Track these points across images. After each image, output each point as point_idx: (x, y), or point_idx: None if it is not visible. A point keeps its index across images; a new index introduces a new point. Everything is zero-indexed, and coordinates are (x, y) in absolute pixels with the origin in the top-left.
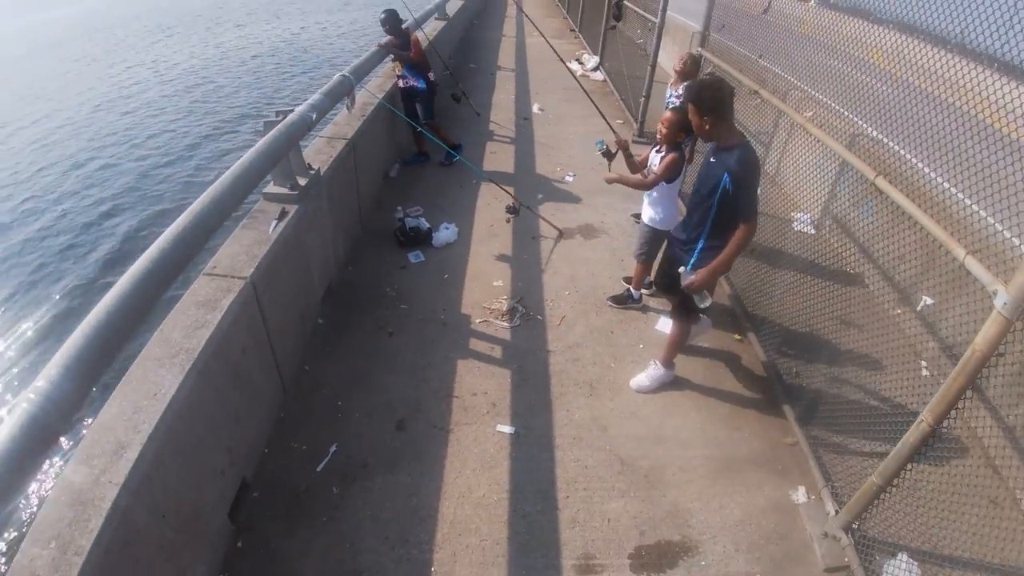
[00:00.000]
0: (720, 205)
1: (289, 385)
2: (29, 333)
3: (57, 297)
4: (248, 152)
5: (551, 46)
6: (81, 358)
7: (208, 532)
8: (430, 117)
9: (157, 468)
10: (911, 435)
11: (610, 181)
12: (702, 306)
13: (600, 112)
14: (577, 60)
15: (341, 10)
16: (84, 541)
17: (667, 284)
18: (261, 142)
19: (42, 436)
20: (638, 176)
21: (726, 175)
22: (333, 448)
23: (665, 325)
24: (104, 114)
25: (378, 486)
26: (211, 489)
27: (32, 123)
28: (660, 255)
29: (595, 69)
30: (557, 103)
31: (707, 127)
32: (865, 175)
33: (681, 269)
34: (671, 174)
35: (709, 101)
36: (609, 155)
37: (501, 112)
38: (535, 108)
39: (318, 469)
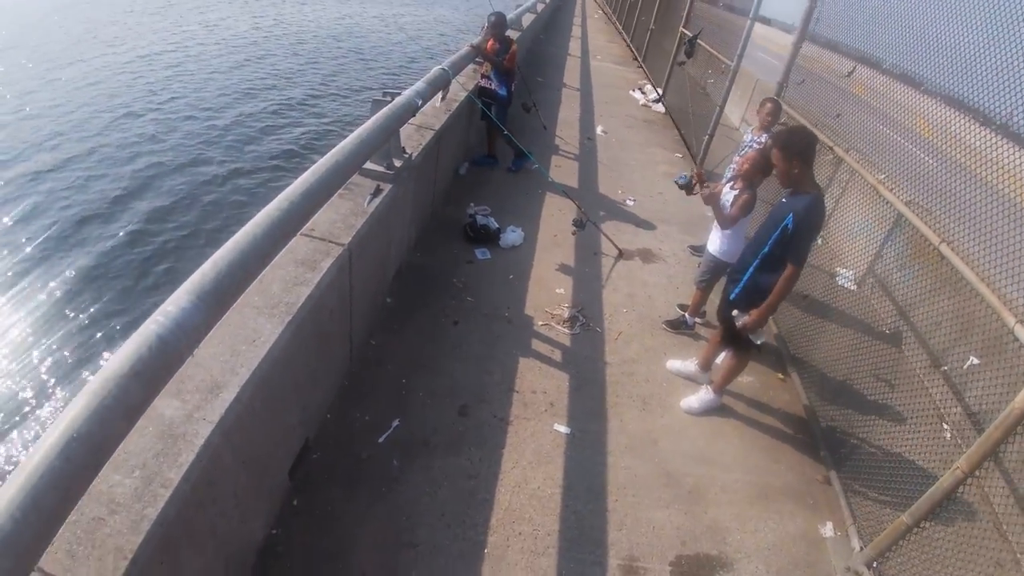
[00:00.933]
0: (775, 243)
1: (356, 355)
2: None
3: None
4: (364, 125)
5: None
6: (213, 290)
7: (270, 485)
8: (503, 123)
9: (248, 413)
10: (945, 480)
11: (708, 202)
12: (757, 343)
13: (685, 146)
14: (640, 90)
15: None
16: (172, 474)
17: (725, 316)
18: (375, 117)
19: (168, 358)
20: (724, 211)
21: (791, 215)
22: (396, 423)
23: (674, 366)
24: (223, 74)
25: (438, 465)
26: (282, 444)
27: (151, 82)
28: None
29: (656, 101)
30: (619, 128)
31: (793, 171)
32: (930, 240)
33: (735, 312)
34: (744, 212)
35: (798, 146)
36: (689, 187)
37: (566, 129)
38: (599, 129)
39: (380, 440)
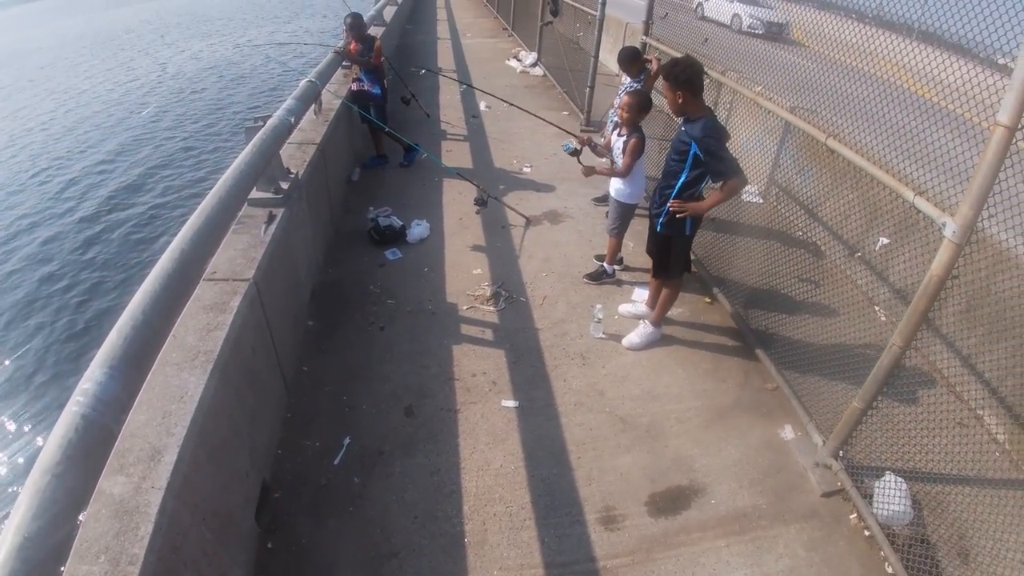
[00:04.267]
0: (689, 170)
1: (292, 386)
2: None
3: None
4: (241, 154)
5: None
6: (124, 357)
7: (240, 535)
8: (383, 122)
9: (194, 470)
10: (884, 358)
11: (588, 174)
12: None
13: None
14: (515, 58)
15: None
16: (136, 549)
17: (655, 250)
18: (251, 144)
19: (100, 436)
20: (610, 166)
21: (694, 144)
22: (347, 441)
23: (626, 309)
24: (67, 134)
25: (398, 470)
26: (239, 491)
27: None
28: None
29: (533, 65)
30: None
31: (680, 101)
32: (816, 137)
33: (672, 202)
34: (636, 156)
35: (682, 76)
36: (576, 153)
37: (450, 112)
38: (482, 106)
39: (335, 463)
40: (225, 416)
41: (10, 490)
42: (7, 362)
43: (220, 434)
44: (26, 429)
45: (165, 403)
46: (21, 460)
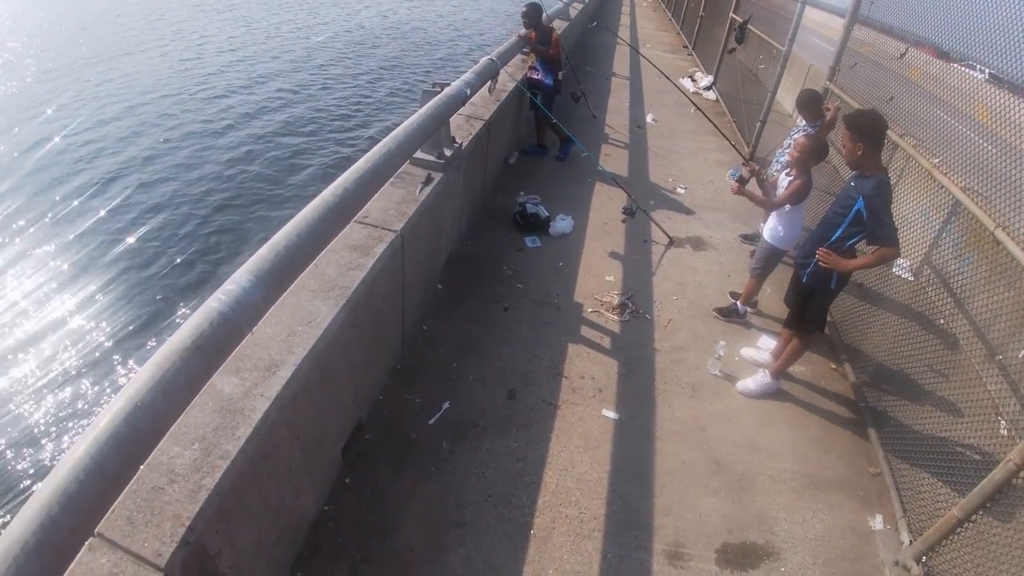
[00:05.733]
0: (849, 225)
1: (408, 340)
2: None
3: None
4: (414, 115)
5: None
6: (271, 270)
7: (324, 463)
8: (549, 113)
9: (304, 390)
10: (997, 473)
11: (738, 193)
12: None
13: (724, 135)
14: (690, 77)
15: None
16: (230, 447)
17: (794, 300)
18: (425, 107)
19: (228, 334)
20: (764, 197)
21: (861, 199)
22: (446, 405)
23: (749, 353)
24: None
25: (486, 447)
26: (335, 422)
27: (198, 80)
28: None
29: (708, 88)
30: (670, 116)
31: (859, 153)
32: (985, 224)
33: (821, 249)
34: (798, 198)
35: (867, 128)
36: (743, 182)
37: (616, 117)
38: (649, 118)
39: (430, 422)
40: (343, 349)
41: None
42: (165, 263)
43: (335, 365)
44: (164, 324)
45: (293, 324)
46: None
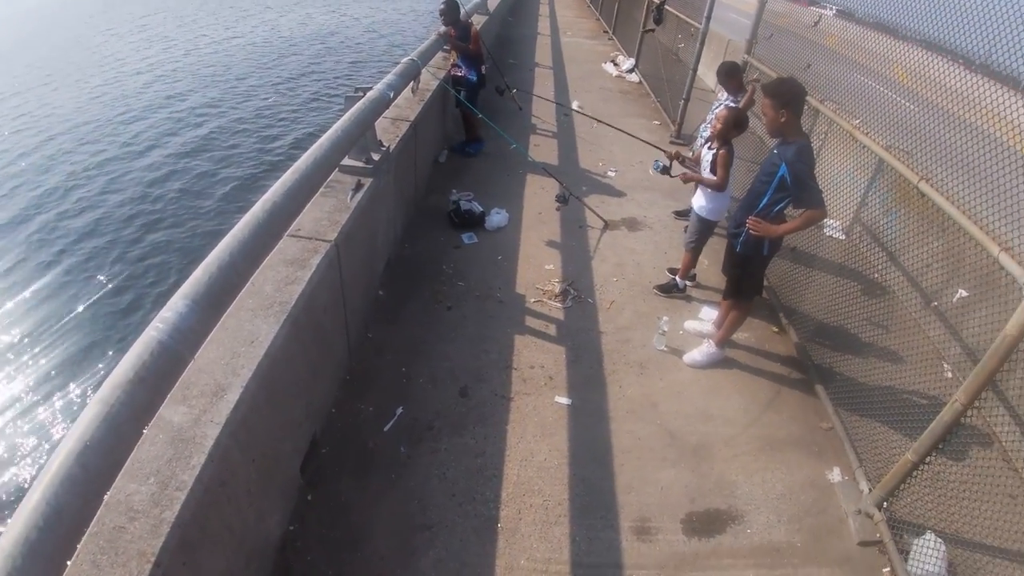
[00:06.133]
0: (774, 192)
1: (355, 349)
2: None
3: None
4: (339, 121)
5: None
6: (206, 293)
7: (283, 483)
8: (472, 109)
9: (253, 412)
10: (945, 414)
11: (686, 180)
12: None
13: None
14: (612, 62)
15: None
16: (186, 477)
17: (730, 269)
18: (349, 113)
19: (170, 362)
20: (712, 176)
21: (784, 165)
22: (399, 410)
23: (692, 326)
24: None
25: (444, 447)
26: (290, 440)
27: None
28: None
29: (630, 71)
30: (595, 101)
31: (782, 120)
32: (909, 179)
33: (751, 218)
34: (728, 166)
35: (788, 95)
36: (667, 170)
37: (542, 107)
38: (575, 105)
39: (385, 429)
40: (289, 366)
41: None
42: (99, 293)
43: (282, 382)
44: (104, 354)
45: (235, 345)
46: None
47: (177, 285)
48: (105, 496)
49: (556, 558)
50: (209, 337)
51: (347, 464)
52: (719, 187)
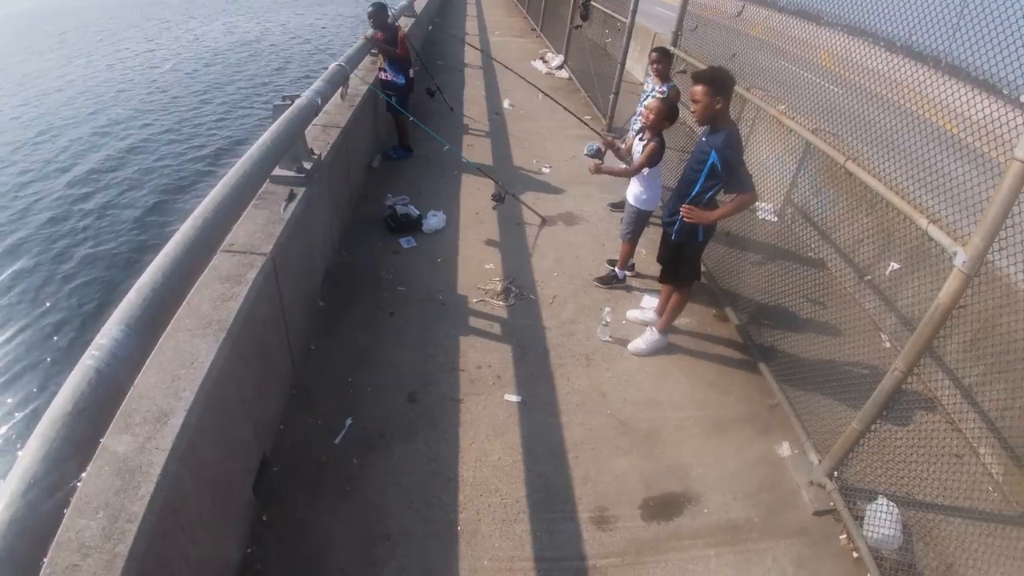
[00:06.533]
0: (706, 179)
1: (299, 363)
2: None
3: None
4: (268, 131)
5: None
6: (141, 317)
7: (237, 505)
8: (405, 111)
9: (198, 435)
10: (886, 382)
11: (596, 170)
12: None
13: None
14: (541, 59)
15: (320, 5)
16: (136, 508)
17: (666, 257)
18: (277, 122)
19: (111, 391)
20: (622, 166)
21: (714, 153)
22: (348, 421)
23: (634, 315)
24: (105, 103)
25: (397, 455)
26: (240, 461)
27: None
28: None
29: (560, 68)
30: (525, 99)
31: (718, 107)
32: (836, 160)
33: (684, 206)
34: (653, 160)
35: (724, 83)
36: (600, 154)
37: (473, 107)
38: (506, 104)
39: (336, 442)
40: (233, 386)
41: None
42: (26, 317)
43: (226, 403)
44: (40, 382)
45: (175, 367)
46: (32, 411)
47: (106, 304)
48: (56, 535)
49: (519, 555)
50: (148, 361)
51: (300, 480)
52: (632, 173)
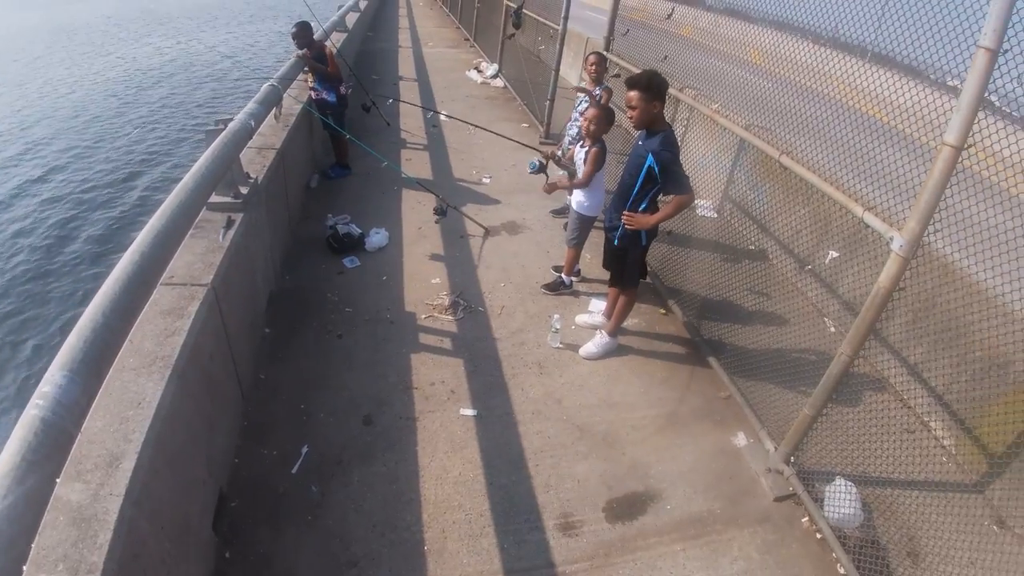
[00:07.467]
0: (643, 184)
1: (249, 394)
2: None
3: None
4: (201, 158)
5: None
6: (84, 360)
7: (198, 544)
8: (342, 129)
9: (152, 477)
10: (834, 367)
11: (550, 190)
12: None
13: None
14: (476, 69)
15: (249, 23)
16: (95, 558)
17: (611, 262)
18: (211, 148)
19: (58, 439)
20: (573, 179)
21: (650, 156)
22: (304, 449)
23: (583, 319)
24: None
25: (356, 479)
26: (196, 499)
27: None
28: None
29: (494, 76)
30: (463, 110)
31: (655, 111)
32: (770, 154)
33: (624, 213)
34: (598, 165)
35: (660, 87)
36: (542, 169)
37: (410, 121)
38: (442, 116)
39: (293, 471)
40: (183, 423)
41: None
42: None
43: (178, 441)
44: None
45: (122, 409)
46: None
47: (44, 343)
48: None
49: (488, 569)
50: (94, 405)
51: (260, 513)
52: (582, 184)
